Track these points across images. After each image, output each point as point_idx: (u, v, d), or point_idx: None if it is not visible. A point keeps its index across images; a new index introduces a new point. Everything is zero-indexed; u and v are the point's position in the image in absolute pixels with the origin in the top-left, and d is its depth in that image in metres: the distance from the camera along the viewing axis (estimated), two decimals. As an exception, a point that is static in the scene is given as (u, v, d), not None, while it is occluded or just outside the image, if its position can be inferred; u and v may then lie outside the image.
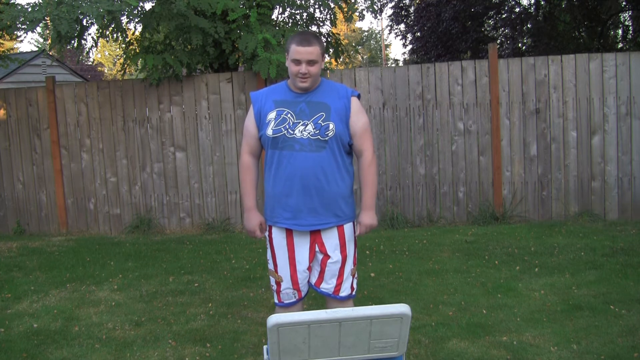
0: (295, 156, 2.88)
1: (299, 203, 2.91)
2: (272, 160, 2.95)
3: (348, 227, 3.02)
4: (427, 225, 7.15)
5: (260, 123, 2.96)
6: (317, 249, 2.99)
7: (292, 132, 2.87)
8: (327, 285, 3.01)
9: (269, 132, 2.90)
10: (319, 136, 2.87)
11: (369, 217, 3.02)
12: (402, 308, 2.49)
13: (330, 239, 2.98)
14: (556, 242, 5.97)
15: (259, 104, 2.97)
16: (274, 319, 2.44)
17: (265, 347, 2.72)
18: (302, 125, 2.88)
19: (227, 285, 5.10)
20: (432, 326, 3.96)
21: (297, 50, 2.82)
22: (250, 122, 3.02)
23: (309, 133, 2.87)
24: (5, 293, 5.08)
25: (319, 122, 2.87)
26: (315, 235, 2.97)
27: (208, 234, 7.30)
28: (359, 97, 3.01)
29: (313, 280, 3.05)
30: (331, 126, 2.87)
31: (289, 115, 2.89)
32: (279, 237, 3.00)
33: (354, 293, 3.06)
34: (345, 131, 2.92)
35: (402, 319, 2.49)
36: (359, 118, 2.94)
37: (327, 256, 2.98)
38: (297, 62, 2.83)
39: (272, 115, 2.91)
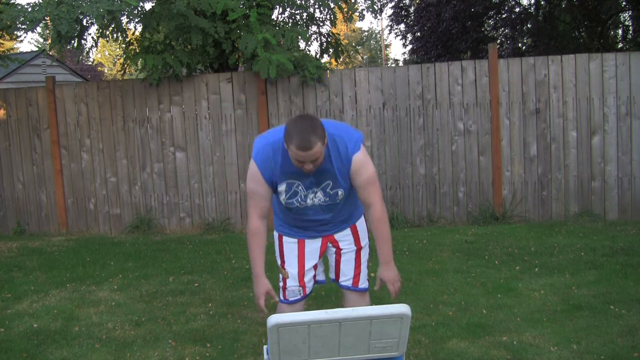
0: (308, 214, 2.92)
1: (311, 230, 2.97)
2: (284, 212, 2.98)
3: (360, 222, 3.05)
4: (427, 225, 7.15)
5: (272, 186, 2.87)
6: (329, 245, 3.02)
7: (304, 203, 2.87)
8: (345, 278, 3.02)
9: (282, 200, 2.87)
10: (329, 202, 2.87)
11: (391, 271, 2.90)
12: (402, 308, 2.49)
13: (344, 236, 3.01)
14: (556, 242, 5.97)
15: (268, 173, 2.79)
16: (274, 319, 2.44)
17: (265, 347, 2.72)
18: (312, 193, 2.85)
19: (227, 285, 5.10)
20: (432, 326, 3.96)
21: (297, 154, 2.59)
22: (258, 185, 2.82)
23: (319, 200, 2.86)
24: (5, 293, 5.08)
25: (328, 190, 2.85)
26: (328, 236, 3.01)
27: (208, 234, 7.30)
28: (361, 147, 2.85)
29: (332, 276, 3.07)
30: (340, 192, 2.85)
31: (300, 187, 2.83)
32: (289, 238, 3.03)
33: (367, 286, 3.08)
34: (351, 187, 2.91)
35: (402, 319, 2.49)
36: (360, 174, 2.80)
37: (340, 249, 3.01)
38: (300, 161, 2.64)
39: (282, 187, 2.83)
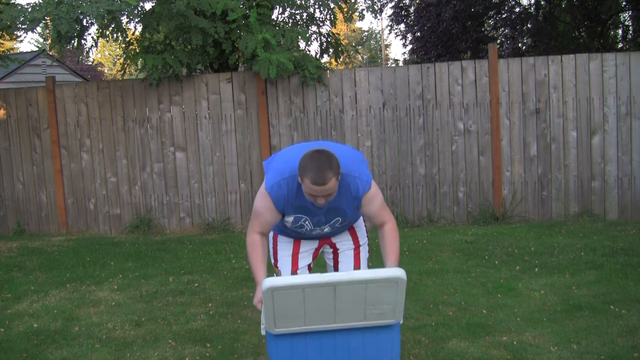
0: (311, 235, 2.95)
1: (309, 238, 3.00)
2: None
3: (358, 223, 3.05)
4: (427, 225, 7.15)
5: (281, 214, 2.87)
6: (325, 245, 3.03)
7: (310, 232, 2.91)
8: (345, 270, 3.03)
9: (287, 224, 2.89)
10: (335, 231, 2.94)
11: None
12: (397, 272, 2.46)
13: (341, 237, 3.02)
14: (556, 242, 5.97)
15: (280, 206, 2.77)
16: (268, 282, 2.41)
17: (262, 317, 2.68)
18: (319, 229, 2.88)
19: (227, 285, 5.10)
20: (432, 326, 3.96)
21: (311, 188, 2.56)
22: (267, 212, 2.79)
23: (326, 231, 2.91)
24: (5, 293, 5.08)
25: (336, 225, 2.89)
26: (325, 238, 3.02)
27: (208, 234, 7.30)
28: (371, 187, 2.84)
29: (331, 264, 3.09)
30: (347, 223, 2.93)
31: (307, 222, 2.83)
32: (284, 237, 3.03)
33: None
34: (358, 214, 2.94)
35: (397, 283, 2.46)
36: (372, 204, 2.81)
37: (337, 249, 3.03)
38: (313, 195, 2.62)
39: (290, 218, 2.83)
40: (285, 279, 2.50)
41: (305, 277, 2.47)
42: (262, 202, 2.77)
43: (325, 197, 2.60)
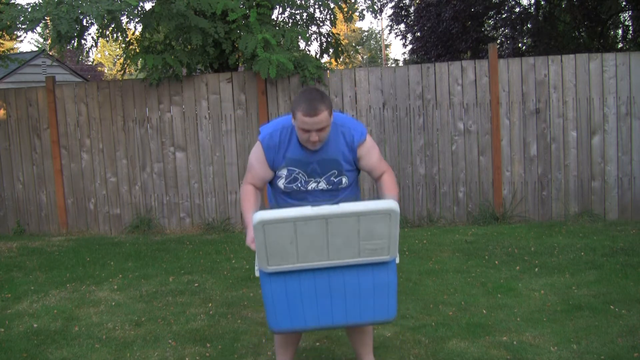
0: (307, 199, 2.91)
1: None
2: (281, 196, 2.96)
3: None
4: (427, 225, 7.15)
5: (272, 169, 2.90)
6: None
7: (305, 188, 2.86)
8: None
9: (280, 185, 2.88)
10: (331, 188, 2.88)
11: None
12: (390, 204, 2.44)
13: None
14: (556, 242, 5.97)
15: (271, 155, 2.83)
16: (259, 215, 2.38)
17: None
18: (314, 182, 2.86)
19: (227, 285, 5.10)
20: (432, 326, 3.96)
21: (304, 121, 2.66)
22: (259, 165, 2.87)
23: (322, 188, 2.87)
24: (5, 293, 5.08)
25: (332, 178, 2.86)
26: None
27: (208, 234, 7.30)
28: (366, 136, 2.89)
29: None
30: (344, 180, 2.87)
31: (300, 174, 2.84)
32: None
33: None
34: (356, 174, 2.94)
35: (390, 215, 2.42)
36: (370, 158, 2.88)
37: None
38: (306, 130, 2.70)
39: (283, 171, 2.84)
40: (276, 212, 2.43)
41: (296, 210, 2.42)
42: (254, 153, 2.89)
43: (318, 133, 2.67)
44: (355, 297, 2.57)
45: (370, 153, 2.87)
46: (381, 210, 2.39)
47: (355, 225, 2.40)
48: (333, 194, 2.88)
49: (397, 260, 2.61)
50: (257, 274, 2.62)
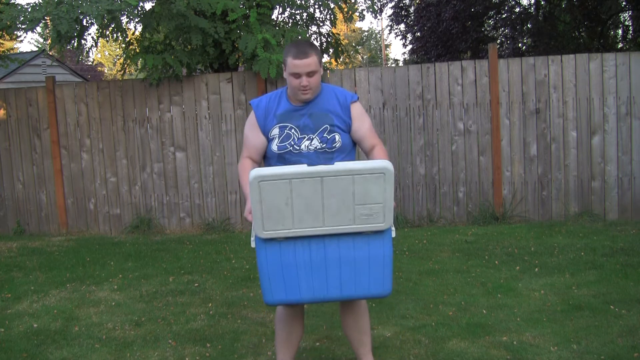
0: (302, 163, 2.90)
1: None
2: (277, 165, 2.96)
3: None
4: (427, 225, 7.15)
5: (264, 136, 2.93)
6: None
7: (298, 148, 2.86)
8: None
9: (274, 148, 2.88)
10: (325, 149, 2.87)
11: None
12: (384, 163, 2.46)
13: None
14: (556, 242, 5.97)
15: (262, 115, 2.91)
16: (255, 171, 2.43)
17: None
18: (307, 140, 2.86)
19: (227, 285, 5.10)
20: (432, 326, 3.96)
21: (294, 64, 2.76)
22: (251, 132, 2.95)
23: (315, 147, 2.86)
24: (5, 293, 5.08)
25: (324, 135, 2.86)
26: None
27: (208, 234, 7.30)
28: (358, 99, 2.99)
29: None
30: (337, 138, 2.87)
31: (292, 130, 2.86)
32: None
33: None
34: (349, 139, 2.95)
35: (384, 175, 2.43)
36: (362, 123, 2.94)
37: None
38: (297, 75, 2.78)
39: (275, 131, 2.88)
40: (272, 168, 2.50)
41: (291, 167, 2.47)
42: (247, 122, 2.98)
43: (308, 79, 2.77)
44: (351, 268, 2.58)
45: (363, 117, 2.94)
46: (375, 169, 2.43)
47: (350, 187, 2.43)
48: (328, 157, 2.88)
49: (394, 234, 2.61)
50: (252, 244, 2.64)
